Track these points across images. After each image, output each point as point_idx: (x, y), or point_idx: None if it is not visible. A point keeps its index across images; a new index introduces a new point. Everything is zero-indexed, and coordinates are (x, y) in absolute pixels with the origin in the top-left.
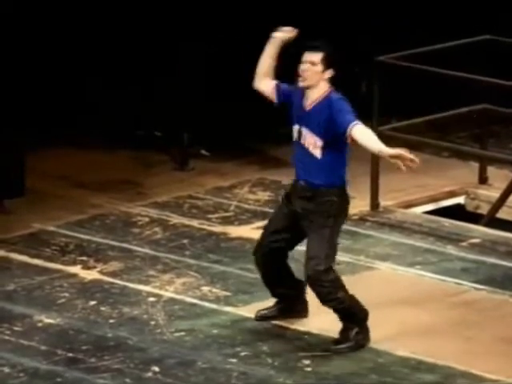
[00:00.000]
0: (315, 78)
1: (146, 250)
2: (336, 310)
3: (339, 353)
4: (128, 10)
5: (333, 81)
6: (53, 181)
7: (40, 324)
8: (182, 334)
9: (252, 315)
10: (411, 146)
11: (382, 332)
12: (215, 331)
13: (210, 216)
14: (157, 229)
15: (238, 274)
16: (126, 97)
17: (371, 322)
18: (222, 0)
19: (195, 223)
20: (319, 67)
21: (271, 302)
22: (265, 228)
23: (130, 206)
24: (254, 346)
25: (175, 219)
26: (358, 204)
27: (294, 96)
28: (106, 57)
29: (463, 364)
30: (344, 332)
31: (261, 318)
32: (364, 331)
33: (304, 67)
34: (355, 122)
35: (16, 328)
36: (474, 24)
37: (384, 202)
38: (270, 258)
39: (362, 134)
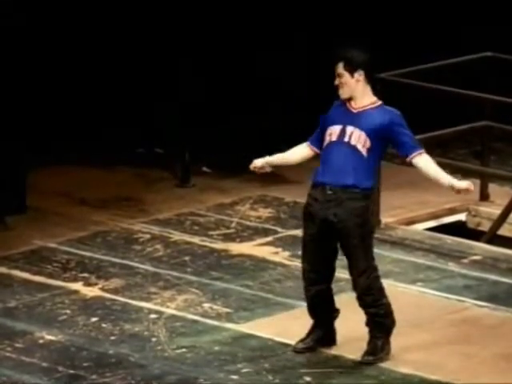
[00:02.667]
0: (349, 87)
1: (148, 267)
2: (376, 315)
3: (369, 364)
4: (127, 26)
5: (371, 80)
6: (54, 198)
7: (41, 341)
8: (184, 350)
9: (253, 332)
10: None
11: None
12: (216, 348)
13: (211, 233)
14: (158, 246)
15: (239, 291)
16: (127, 114)
17: None
18: (221, 17)
19: (197, 240)
20: (346, 76)
21: (272, 319)
22: (304, 264)
23: (132, 222)
24: (256, 363)
25: (177, 236)
26: None
27: (334, 108)
28: (107, 73)
29: (465, 381)
30: (372, 343)
31: (301, 350)
32: (389, 343)
33: (336, 82)
34: (420, 151)
35: (17, 345)
36: (475, 41)
37: (385, 218)
38: (319, 299)
39: (429, 164)
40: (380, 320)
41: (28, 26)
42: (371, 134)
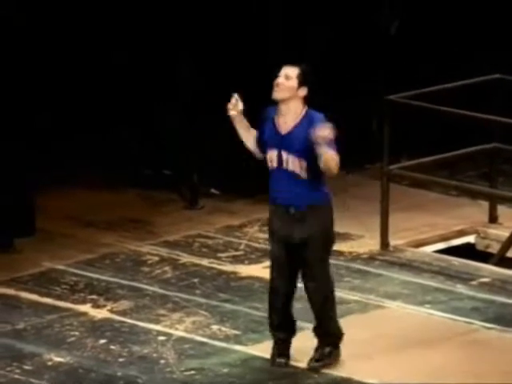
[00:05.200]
0: (289, 92)
1: (156, 289)
2: (326, 327)
3: (316, 369)
4: (136, 43)
5: (306, 101)
6: (62, 220)
7: (50, 363)
8: (192, 372)
9: (261, 354)
10: (421, 185)
11: (392, 371)
12: (225, 370)
13: (220, 255)
14: (167, 268)
15: (247, 313)
16: (134, 136)
17: (382, 361)
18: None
19: (205, 262)
20: (294, 82)
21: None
22: (273, 278)
23: (140, 244)
24: None
25: (185, 258)
26: (368, 243)
27: (265, 126)
28: (113, 95)
29: None
30: (319, 350)
31: (283, 365)
32: (337, 352)
33: (279, 80)
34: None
35: (26, 367)
36: (484, 63)
37: (394, 241)
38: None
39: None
40: (330, 332)
41: (29, 27)
42: (303, 153)
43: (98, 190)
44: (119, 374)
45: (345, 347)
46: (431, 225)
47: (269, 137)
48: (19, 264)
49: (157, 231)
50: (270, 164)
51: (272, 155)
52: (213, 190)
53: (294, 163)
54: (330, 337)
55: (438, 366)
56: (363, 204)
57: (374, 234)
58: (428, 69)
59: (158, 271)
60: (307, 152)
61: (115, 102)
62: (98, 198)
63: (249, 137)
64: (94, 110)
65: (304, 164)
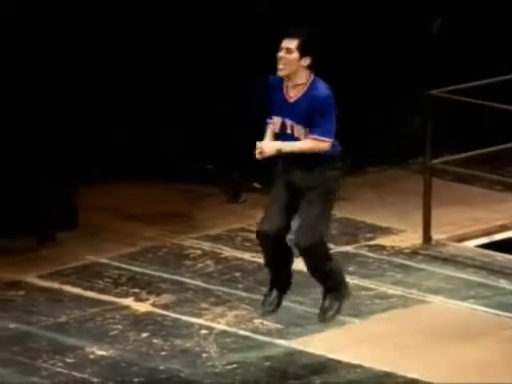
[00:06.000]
0: (292, 66)
1: (199, 283)
2: (323, 281)
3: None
4: (183, 43)
5: (312, 68)
6: (105, 214)
7: (92, 356)
8: (234, 366)
9: (304, 348)
10: (464, 180)
11: (435, 366)
12: (267, 364)
13: None
14: (209, 261)
15: (290, 307)
16: (177, 130)
17: (425, 356)
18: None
19: (247, 256)
20: (295, 54)
21: (324, 335)
22: (267, 213)
23: (183, 238)
24: (306, 380)
25: (227, 252)
26: (411, 237)
27: (273, 91)
28: (157, 91)
29: None
30: (327, 299)
31: (268, 313)
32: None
33: (280, 54)
34: (319, 138)
35: (68, 360)
36: None
37: (436, 235)
38: (278, 246)
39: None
40: (332, 284)
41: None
42: (307, 121)
43: (141, 184)
44: (161, 367)
45: (387, 341)
46: (474, 219)
47: (275, 102)
48: (62, 257)
49: (199, 225)
50: (272, 127)
51: (275, 121)
52: (255, 184)
53: (298, 131)
54: (332, 290)
55: (480, 361)
56: (405, 198)
57: (417, 228)
58: (470, 64)
59: (201, 265)
60: (308, 120)
61: (158, 96)
62: (141, 191)
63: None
64: (135, 104)
65: (306, 131)
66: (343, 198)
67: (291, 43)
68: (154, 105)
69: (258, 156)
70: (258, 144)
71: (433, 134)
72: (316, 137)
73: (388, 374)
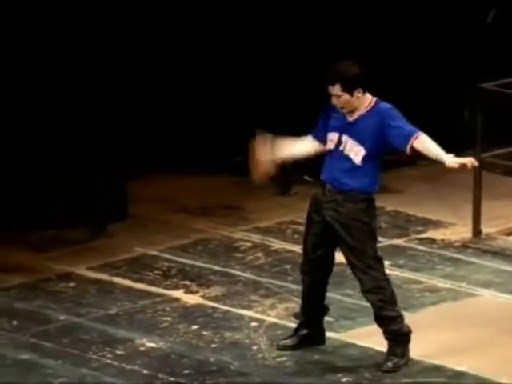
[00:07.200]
0: (351, 104)
1: (249, 275)
2: (389, 324)
3: (390, 372)
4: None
5: (368, 91)
6: (155, 206)
7: (142, 348)
8: (284, 359)
9: (353, 341)
10: None
11: (484, 359)
12: (317, 357)
13: None
14: (259, 254)
15: (339, 300)
16: (229, 123)
17: (474, 349)
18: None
19: (297, 248)
20: (346, 96)
21: (373, 328)
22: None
23: (233, 230)
24: (356, 373)
25: (278, 244)
26: (460, 230)
27: (330, 112)
28: (206, 88)
29: None
30: (390, 350)
31: (283, 347)
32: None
33: (333, 101)
34: (415, 135)
35: (118, 352)
36: None
37: (486, 228)
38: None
39: (427, 144)
40: (397, 330)
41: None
42: (365, 141)
43: (191, 176)
44: (211, 359)
45: (437, 334)
46: None
47: (334, 121)
48: (112, 249)
49: (249, 217)
50: (329, 144)
51: (332, 137)
52: (306, 177)
53: (351, 148)
54: (395, 337)
55: None
56: (455, 192)
57: (467, 221)
58: None
59: (251, 257)
60: (370, 140)
61: (213, 89)
62: (191, 183)
63: (300, 148)
64: (190, 96)
65: (363, 152)
66: (395, 191)
67: (335, 90)
68: (211, 96)
69: (469, 167)
70: (465, 159)
71: (482, 128)
72: (416, 135)
73: (437, 367)
